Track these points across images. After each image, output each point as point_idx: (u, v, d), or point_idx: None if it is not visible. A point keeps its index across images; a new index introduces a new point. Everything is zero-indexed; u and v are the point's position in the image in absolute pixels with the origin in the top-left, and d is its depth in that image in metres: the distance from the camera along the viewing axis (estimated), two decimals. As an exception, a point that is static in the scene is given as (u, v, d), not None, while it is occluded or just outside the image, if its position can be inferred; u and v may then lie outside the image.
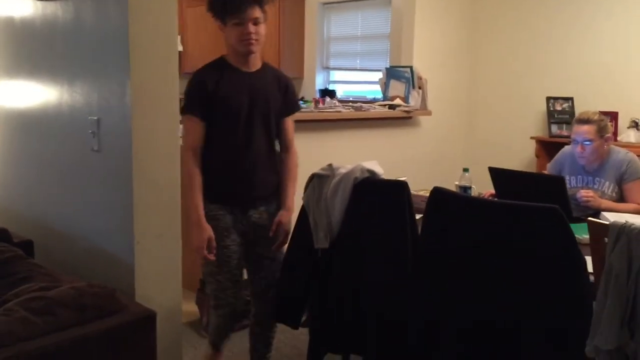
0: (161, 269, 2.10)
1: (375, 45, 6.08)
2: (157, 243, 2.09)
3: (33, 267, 1.84)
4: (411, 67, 4.54)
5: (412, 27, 4.71)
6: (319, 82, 6.50)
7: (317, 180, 2.36)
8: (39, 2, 2.37)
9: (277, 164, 2.35)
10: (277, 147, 2.37)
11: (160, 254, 2.10)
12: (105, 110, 2.11)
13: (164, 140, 2.07)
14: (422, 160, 4.56)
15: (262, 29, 2.17)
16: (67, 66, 2.29)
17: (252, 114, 2.21)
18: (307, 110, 3.92)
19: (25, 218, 2.60)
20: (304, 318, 2.46)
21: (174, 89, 2.09)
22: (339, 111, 4.07)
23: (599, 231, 1.48)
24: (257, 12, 2.13)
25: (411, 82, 4.53)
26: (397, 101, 4.52)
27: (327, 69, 6.55)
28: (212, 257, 2.17)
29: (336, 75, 6.60)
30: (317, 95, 6.02)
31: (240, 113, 2.19)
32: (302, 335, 2.71)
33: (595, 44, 4.28)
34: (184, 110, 2.18)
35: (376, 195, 2.20)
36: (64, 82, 2.31)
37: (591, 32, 4.29)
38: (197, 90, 2.17)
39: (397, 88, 4.66)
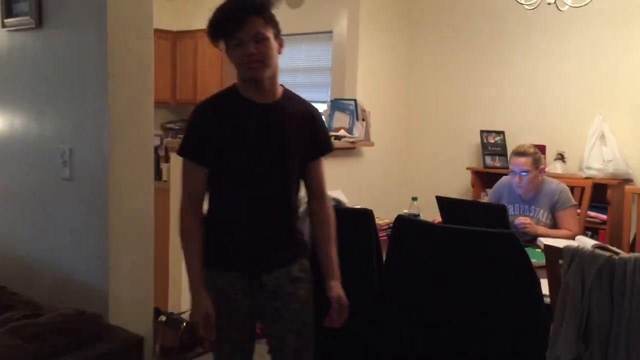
0: (134, 295, 2.13)
1: (317, 78, 6.28)
2: (130, 270, 2.12)
3: (12, 296, 1.84)
4: (355, 100, 4.75)
5: (355, 61, 4.94)
6: (261, 112, 6.61)
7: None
8: (5, 32, 2.38)
9: (297, 218, 1.93)
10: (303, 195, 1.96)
11: (134, 281, 2.13)
12: (79, 139, 2.14)
13: (138, 169, 2.13)
14: (367, 189, 4.73)
15: (267, 46, 1.74)
16: (35, 95, 2.30)
17: (263, 158, 1.78)
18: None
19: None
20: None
21: (150, 120, 2.15)
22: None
23: (555, 254, 1.66)
24: (257, 26, 1.72)
25: (355, 114, 4.73)
26: (342, 132, 4.70)
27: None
28: (210, 336, 1.76)
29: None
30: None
31: (247, 157, 1.77)
32: None
33: (524, 80, 4.63)
34: (180, 152, 1.80)
35: (343, 223, 2.33)
36: (32, 111, 2.32)
37: (521, 69, 4.64)
38: (196, 129, 1.78)
39: (341, 120, 4.84)
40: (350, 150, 4.75)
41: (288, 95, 1.87)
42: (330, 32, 6.03)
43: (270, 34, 1.75)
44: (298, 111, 1.84)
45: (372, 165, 4.89)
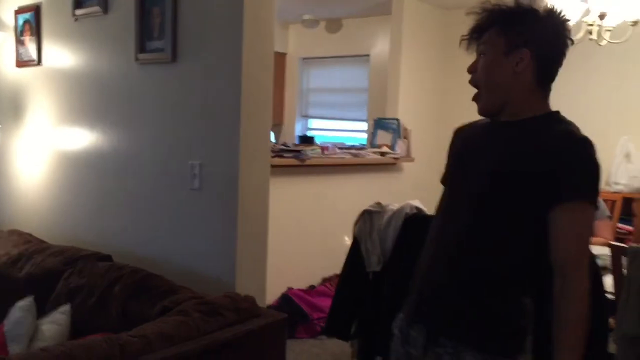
0: (253, 287, 2.53)
1: (352, 97, 6.73)
2: (251, 266, 2.54)
3: (166, 282, 2.26)
4: (398, 120, 5.19)
5: (397, 81, 5.37)
6: (298, 129, 7.06)
7: (367, 216, 2.89)
8: (138, 65, 2.81)
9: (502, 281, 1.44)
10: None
11: (253, 275, 2.55)
12: (209, 156, 2.56)
13: (260, 180, 2.56)
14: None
15: (484, 61, 1.50)
16: (165, 119, 2.73)
17: (460, 188, 1.56)
18: (316, 156, 4.45)
19: (122, 252, 2.91)
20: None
21: (267, 139, 2.59)
22: (342, 157, 4.63)
23: (619, 251, 2.08)
24: (486, 38, 1.49)
25: (398, 132, 5.17)
26: (384, 149, 5.14)
27: (306, 117, 7.14)
28: None
29: (313, 123, 7.19)
30: (296, 141, 6.59)
31: (450, 184, 1.62)
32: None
33: (555, 104, 5.05)
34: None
35: (423, 227, 2.74)
36: (161, 131, 2.74)
37: (553, 94, 5.06)
38: None
39: (384, 137, 5.28)
40: (392, 165, 5.18)
41: (540, 119, 1.53)
42: (367, 55, 6.51)
43: (490, 47, 1.48)
44: (536, 137, 1.47)
45: (411, 179, 5.31)
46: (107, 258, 2.69)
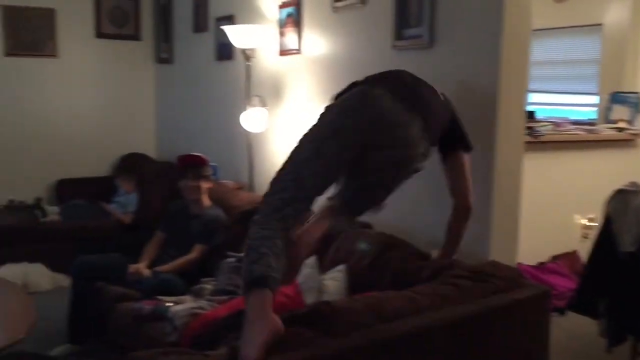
0: (506, 261, 2.66)
1: (579, 70, 6.42)
2: (504, 239, 2.69)
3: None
4: (638, 93, 4.87)
5: (637, 52, 5.03)
6: (518, 104, 6.92)
7: (621, 195, 2.85)
8: (394, 52, 3.06)
9: None
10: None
11: (507, 249, 2.70)
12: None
13: (514, 159, 2.68)
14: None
15: None
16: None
17: None
18: (548, 132, 4.39)
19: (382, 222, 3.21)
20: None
21: (522, 119, 2.69)
22: (576, 133, 4.51)
23: None
24: None
25: (637, 107, 4.87)
26: (621, 124, 4.87)
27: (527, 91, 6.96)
28: None
29: (533, 97, 6.99)
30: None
31: None
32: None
33: None
34: None
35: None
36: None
37: None
38: None
39: (620, 112, 5.01)
40: (629, 142, 4.89)
41: None
42: (600, 24, 6.14)
43: None
44: None
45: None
46: (368, 227, 3.01)
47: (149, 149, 5.94)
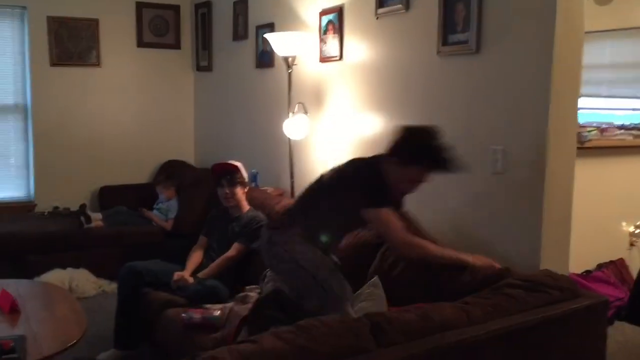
0: (558, 271, 2.61)
1: (625, 74, 6.27)
2: (556, 250, 2.63)
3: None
4: (687, 96, 4.73)
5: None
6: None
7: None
8: (438, 57, 3.04)
9: None
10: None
11: (559, 260, 2.63)
12: (511, 141, 2.69)
13: (565, 167, 2.62)
14: None
15: None
16: (466, 107, 2.92)
17: None
18: (594, 138, 4.29)
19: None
20: None
21: (574, 126, 2.63)
22: (623, 138, 4.40)
23: None
24: None
25: (686, 111, 4.73)
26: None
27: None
28: None
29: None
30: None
31: None
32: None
33: None
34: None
35: None
36: (462, 119, 2.94)
37: None
38: None
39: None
40: None
41: None
42: (645, 26, 5.99)
43: None
44: None
45: None
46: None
47: (188, 156, 6.01)
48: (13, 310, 2.84)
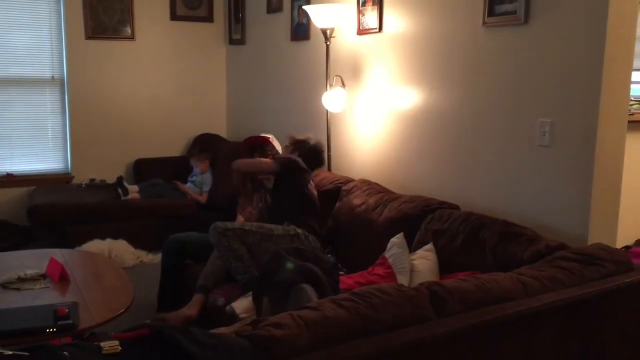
0: (605, 239, 2.58)
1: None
2: (604, 224, 2.60)
3: (529, 230, 2.46)
4: None
5: None
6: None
7: None
8: (484, 29, 2.99)
9: None
10: None
11: (608, 233, 2.61)
12: (561, 113, 2.65)
13: (616, 132, 2.58)
14: None
15: None
16: (513, 80, 2.88)
17: None
18: (638, 111, 4.21)
19: (467, 203, 3.09)
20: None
21: (627, 97, 2.58)
22: (666, 112, 4.30)
23: None
24: None
25: None
26: None
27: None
28: None
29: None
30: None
31: None
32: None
33: None
34: None
35: None
36: (507, 91, 2.90)
37: None
38: None
39: None
40: None
41: None
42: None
43: None
44: None
45: None
46: (456, 207, 2.97)
47: (221, 129, 6.04)
48: (62, 279, 2.91)
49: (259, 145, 3.77)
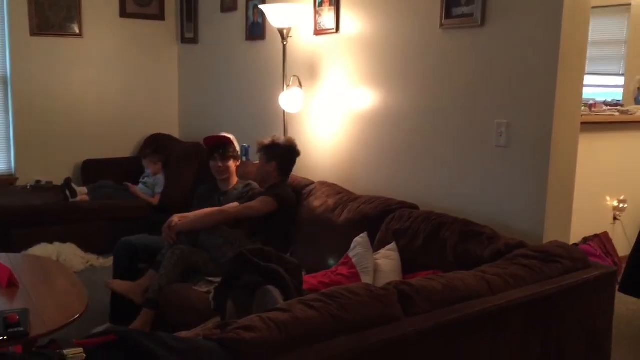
0: (556, 236, 2.65)
1: (604, 51, 6.37)
2: (558, 223, 2.67)
3: (488, 229, 2.49)
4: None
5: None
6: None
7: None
8: (441, 31, 3.03)
9: None
10: None
11: (561, 232, 2.68)
12: (515, 115, 2.71)
13: (569, 141, 2.65)
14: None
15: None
16: (466, 84, 2.93)
17: None
18: (585, 114, 4.35)
19: (426, 203, 3.11)
20: None
21: (579, 100, 2.66)
22: (611, 114, 4.48)
23: None
24: None
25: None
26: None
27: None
28: None
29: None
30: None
31: None
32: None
33: None
34: None
35: None
36: (464, 95, 2.95)
37: None
38: None
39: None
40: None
41: None
42: (628, 4, 6.09)
43: None
44: None
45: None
46: (415, 207, 2.99)
47: (173, 129, 5.92)
48: (11, 284, 2.78)
49: (221, 146, 3.69)
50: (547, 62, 2.58)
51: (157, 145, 5.44)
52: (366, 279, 2.48)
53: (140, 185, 5.09)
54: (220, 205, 3.61)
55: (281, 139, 3.59)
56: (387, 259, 2.61)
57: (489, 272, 1.99)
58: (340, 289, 1.73)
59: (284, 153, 3.53)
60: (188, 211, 3.72)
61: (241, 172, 3.82)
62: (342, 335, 1.55)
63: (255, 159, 4.22)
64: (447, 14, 3.00)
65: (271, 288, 2.10)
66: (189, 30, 5.62)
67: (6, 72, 5.17)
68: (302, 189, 3.60)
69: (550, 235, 2.63)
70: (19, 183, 5.21)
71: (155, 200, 4.99)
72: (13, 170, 5.28)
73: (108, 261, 4.17)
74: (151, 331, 1.46)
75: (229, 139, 3.79)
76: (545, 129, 2.61)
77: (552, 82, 2.57)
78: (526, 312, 1.91)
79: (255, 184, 3.71)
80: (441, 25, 3.03)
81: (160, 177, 5.09)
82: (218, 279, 2.97)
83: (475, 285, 1.87)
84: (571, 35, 2.55)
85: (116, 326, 2.85)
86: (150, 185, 5.05)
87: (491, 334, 1.84)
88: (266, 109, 4.45)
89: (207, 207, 3.63)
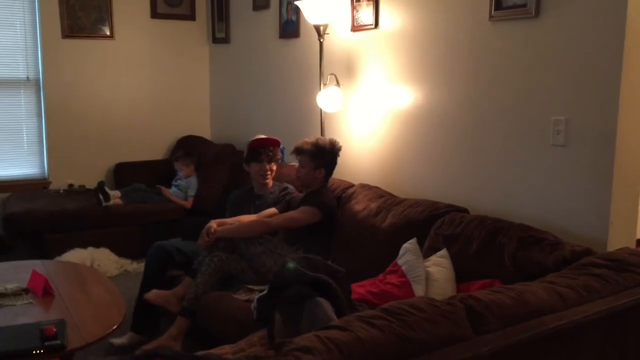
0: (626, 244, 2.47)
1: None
2: (624, 225, 2.49)
3: (549, 234, 2.33)
4: None
5: None
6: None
7: None
8: (491, 23, 2.86)
9: None
10: None
11: (627, 235, 2.50)
12: (575, 111, 2.53)
13: (636, 138, 2.46)
14: None
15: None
16: (525, 76, 2.75)
17: None
18: None
19: (476, 206, 2.96)
20: None
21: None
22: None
23: None
24: None
25: None
26: None
27: None
28: None
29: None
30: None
31: None
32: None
33: None
34: None
35: None
36: (521, 90, 2.77)
37: None
38: None
39: None
40: None
41: None
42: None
43: None
44: None
45: None
46: (464, 211, 2.83)
47: (204, 131, 5.83)
48: (46, 293, 2.70)
49: (269, 147, 3.55)
50: (610, 52, 2.40)
51: (188, 147, 5.36)
52: (418, 288, 2.33)
53: (173, 188, 5.00)
54: (257, 209, 3.49)
55: (325, 141, 3.41)
56: (439, 267, 2.45)
57: (559, 284, 1.83)
58: (401, 304, 1.59)
59: (332, 159, 3.37)
60: (222, 215, 3.60)
61: (277, 174, 3.70)
62: (409, 357, 1.41)
63: (290, 160, 4.10)
64: (497, 5, 2.83)
65: (321, 300, 1.96)
66: (220, 29, 5.52)
67: (38, 75, 5.13)
68: (342, 193, 3.46)
69: (615, 241, 2.45)
70: (51, 187, 5.16)
71: (188, 204, 4.90)
72: (46, 174, 5.24)
73: (141, 266, 4.06)
74: (204, 354, 1.33)
75: (278, 141, 3.65)
76: (608, 124, 2.43)
77: (616, 74, 2.38)
78: (604, 327, 1.74)
79: (292, 188, 3.58)
80: (490, 17, 2.86)
81: (193, 180, 5.00)
82: (258, 287, 2.86)
83: (547, 298, 1.71)
84: (638, 22, 2.36)
85: (165, 348, 2.71)
86: (183, 188, 4.96)
87: (568, 352, 1.67)
88: (302, 108, 4.32)
89: (243, 213, 3.50)
